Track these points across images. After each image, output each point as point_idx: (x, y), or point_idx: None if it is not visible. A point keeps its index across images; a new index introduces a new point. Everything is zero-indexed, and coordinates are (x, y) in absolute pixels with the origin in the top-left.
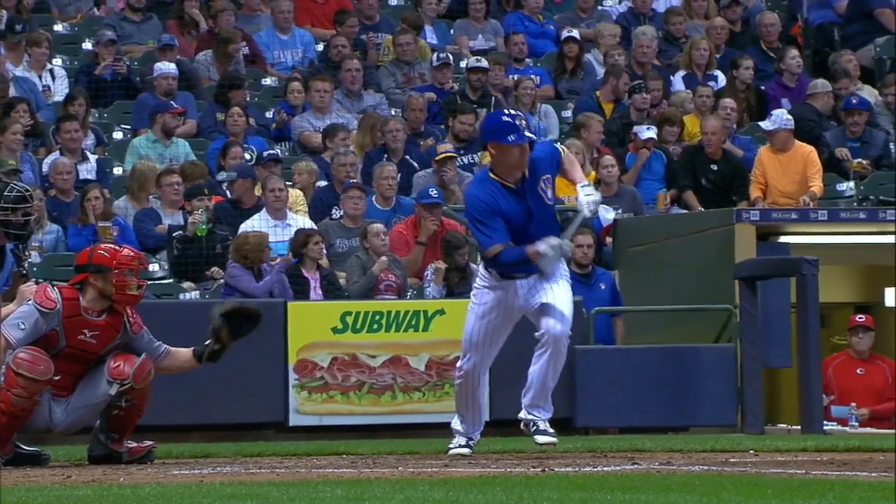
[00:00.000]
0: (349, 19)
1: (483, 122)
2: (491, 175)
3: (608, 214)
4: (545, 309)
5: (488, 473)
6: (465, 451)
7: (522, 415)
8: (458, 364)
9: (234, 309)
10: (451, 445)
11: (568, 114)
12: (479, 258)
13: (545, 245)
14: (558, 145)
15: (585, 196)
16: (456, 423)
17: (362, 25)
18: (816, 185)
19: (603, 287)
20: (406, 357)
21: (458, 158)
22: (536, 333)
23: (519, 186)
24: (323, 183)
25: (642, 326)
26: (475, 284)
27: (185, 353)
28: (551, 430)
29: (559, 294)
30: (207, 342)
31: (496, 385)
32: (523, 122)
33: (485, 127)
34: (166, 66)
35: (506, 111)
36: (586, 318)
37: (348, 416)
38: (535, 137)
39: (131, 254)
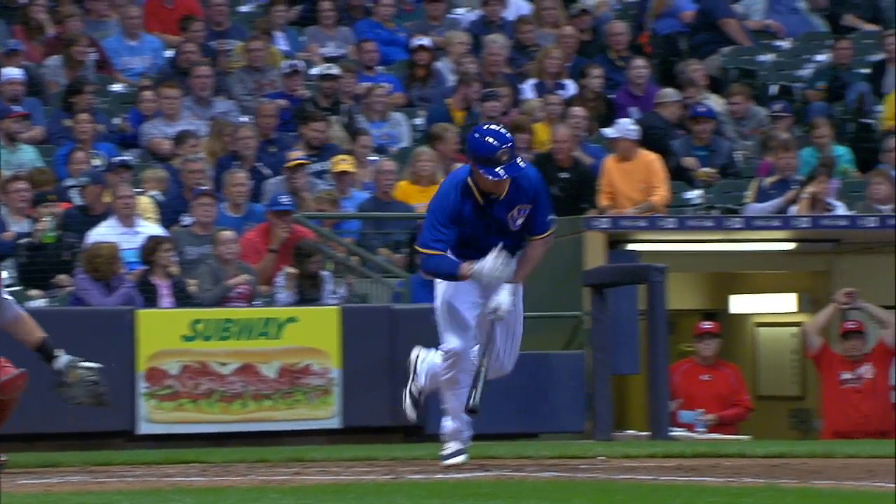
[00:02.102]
0: (194, 24)
1: (473, 139)
2: (469, 182)
3: None
4: (491, 349)
5: (340, 481)
6: (462, 459)
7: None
8: (443, 347)
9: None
10: (445, 453)
11: (419, 121)
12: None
13: (481, 269)
14: (543, 239)
15: (506, 297)
16: (448, 424)
17: (212, 32)
18: (658, 196)
19: None
20: (257, 365)
21: (310, 165)
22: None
23: (491, 203)
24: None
25: None
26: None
27: (35, 336)
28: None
29: (510, 339)
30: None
31: (349, 392)
32: (511, 152)
33: (473, 147)
34: (12, 72)
35: (498, 133)
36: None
37: (199, 424)
38: (523, 167)
39: None
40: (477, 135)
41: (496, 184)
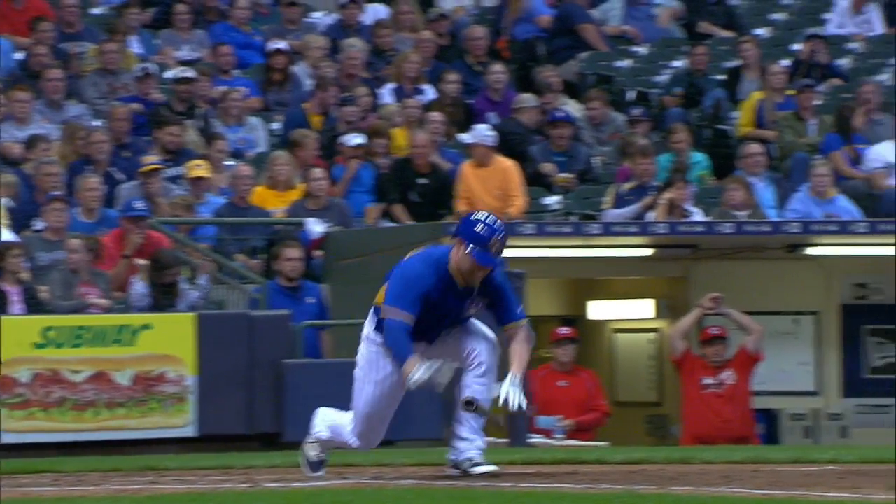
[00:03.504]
0: (44, 26)
1: (467, 222)
2: (448, 269)
3: (317, 227)
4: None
5: (195, 490)
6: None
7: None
8: (352, 441)
9: None
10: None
11: (276, 126)
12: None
13: (416, 380)
14: (523, 325)
15: (509, 387)
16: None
17: (63, 34)
18: (515, 207)
19: (311, 300)
20: (110, 373)
21: (165, 170)
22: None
23: (457, 289)
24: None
25: (351, 340)
26: (368, 338)
27: None
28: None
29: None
30: None
31: (204, 399)
32: (501, 246)
33: (465, 229)
34: None
35: (496, 221)
36: (294, 331)
37: (51, 433)
38: (498, 264)
39: None
40: (475, 219)
41: (480, 270)
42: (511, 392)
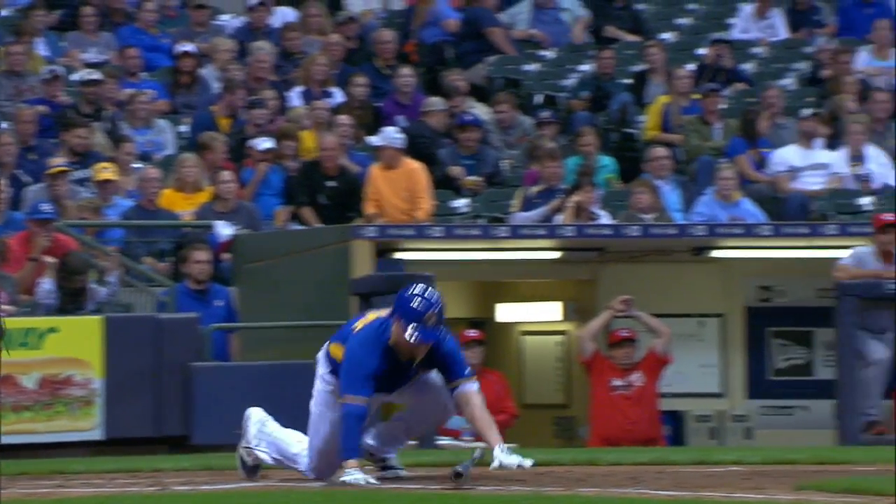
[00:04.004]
0: None
1: (402, 298)
2: (390, 343)
3: (225, 230)
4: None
5: (103, 493)
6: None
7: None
8: (306, 473)
9: None
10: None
11: (184, 129)
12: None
13: (349, 478)
14: (472, 385)
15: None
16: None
17: None
18: (422, 210)
19: (219, 303)
20: (17, 376)
21: (72, 173)
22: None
23: (401, 362)
24: None
25: (260, 343)
26: (323, 379)
27: None
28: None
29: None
30: None
31: (112, 403)
32: (439, 317)
33: (401, 305)
34: None
35: (432, 295)
36: (203, 334)
37: None
38: (440, 337)
39: None
40: (410, 294)
41: (418, 347)
42: (508, 460)
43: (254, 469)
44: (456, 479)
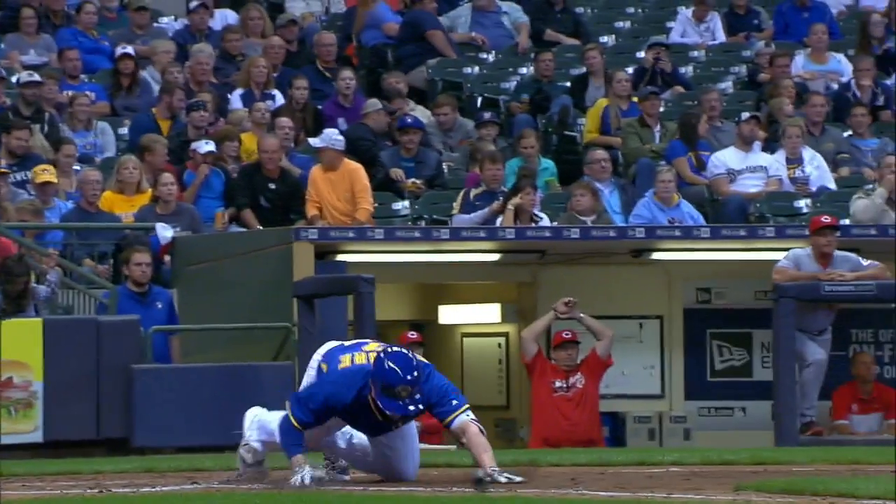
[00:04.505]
0: None
1: (380, 368)
2: (369, 398)
3: (166, 233)
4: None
5: (43, 496)
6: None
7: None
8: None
9: None
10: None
11: (124, 131)
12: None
13: (297, 477)
14: (466, 416)
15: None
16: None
17: None
18: (362, 212)
19: (160, 306)
20: None
21: (12, 175)
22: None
23: (376, 418)
24: None
25: (201, 345)
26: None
27: None
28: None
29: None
30: None
31: (51, 405)
32: (413, 388)
33: (378, 369)
34: None
35: (400, 375)
36: (143, 336)
37: None
38: (412, 412)
39: None
40: (388, 367)
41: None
42: (504, 479)
43: (257, 465)
44: (478, 486)
